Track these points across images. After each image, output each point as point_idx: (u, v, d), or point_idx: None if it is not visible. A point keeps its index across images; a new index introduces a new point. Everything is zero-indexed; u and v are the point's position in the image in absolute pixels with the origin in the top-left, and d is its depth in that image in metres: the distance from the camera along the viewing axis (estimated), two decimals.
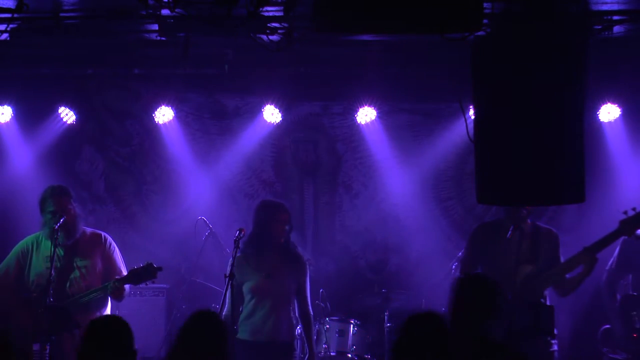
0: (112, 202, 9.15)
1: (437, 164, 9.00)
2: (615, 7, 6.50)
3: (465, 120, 5.35)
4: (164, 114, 8.71)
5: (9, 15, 6.15)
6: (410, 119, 9.04)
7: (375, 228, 9.10)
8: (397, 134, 8.95)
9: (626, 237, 6.69)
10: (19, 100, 8.54)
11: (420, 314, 4.30)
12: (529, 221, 6.45)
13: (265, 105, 8.64)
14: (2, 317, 6.34)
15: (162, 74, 8.33)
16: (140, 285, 6.69)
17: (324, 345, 7.52)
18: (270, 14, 6.31)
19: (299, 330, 6.71)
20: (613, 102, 8.32)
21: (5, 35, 6.80)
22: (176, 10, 5.79)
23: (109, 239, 6.64)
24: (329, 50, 7.67)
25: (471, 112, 5.47)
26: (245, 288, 6.43)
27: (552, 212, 8.22)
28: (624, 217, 6.20)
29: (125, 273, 6.44)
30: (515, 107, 4.93)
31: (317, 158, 9.19)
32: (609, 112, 8.37)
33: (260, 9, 5.86)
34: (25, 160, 8.82)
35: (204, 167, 9.02)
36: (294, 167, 9.19)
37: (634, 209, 6.18)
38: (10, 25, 6.58)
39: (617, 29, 6.67)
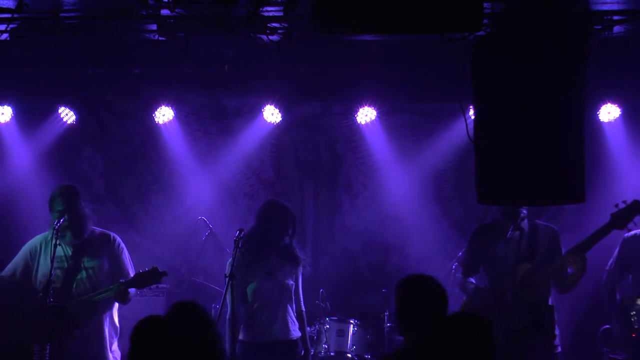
0: (112, 202, 9.14)
1: (437, 164, 9.00)
2: (615, 7, 6.49)
3: (465, 120, 5.35)
4: (164, 114, 8.70)
5: (9, 15, 6.15)
6: (410, 119, 9.04)
7: (375, 228, 9.10)
8: (397, 134, 8.95)
9: (624, 236, 6.72)
10: (19, 100, 8.52)
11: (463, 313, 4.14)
12: (527, 220, 6.45)
13: (265, 105, 8.63)
14: (5, 318, 6.34)
15: (162, 74, 8.34)
16: None
17: (324, 345, 7.51)
18: (270, 14, 6.30)
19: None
20: (613, 102, 8.33)
21: (5, 35, 6.78)
22: (176, 10, 5.79)
23: (118, 239, 6.61)
24: (329, 50, 7.65)
25: (471, 112, 5.47)
26: (249, 289, 6.48)
27: (552, 211, 8.20)
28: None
29: (132, 275, 6.41)
30: (515, 107, 4.93)
31: (317, 158, 9.19)
32: (609, 112, 8.38)
33: (260, 9, 5.87)
34: (25, 161, 8.81)
35: (204, 167, 9.01)
36: (294, 167, 9.19)
37: (624, 202, 6.20)
38: (10, 25, 6.56)
39: (617, 29, 6.66)
